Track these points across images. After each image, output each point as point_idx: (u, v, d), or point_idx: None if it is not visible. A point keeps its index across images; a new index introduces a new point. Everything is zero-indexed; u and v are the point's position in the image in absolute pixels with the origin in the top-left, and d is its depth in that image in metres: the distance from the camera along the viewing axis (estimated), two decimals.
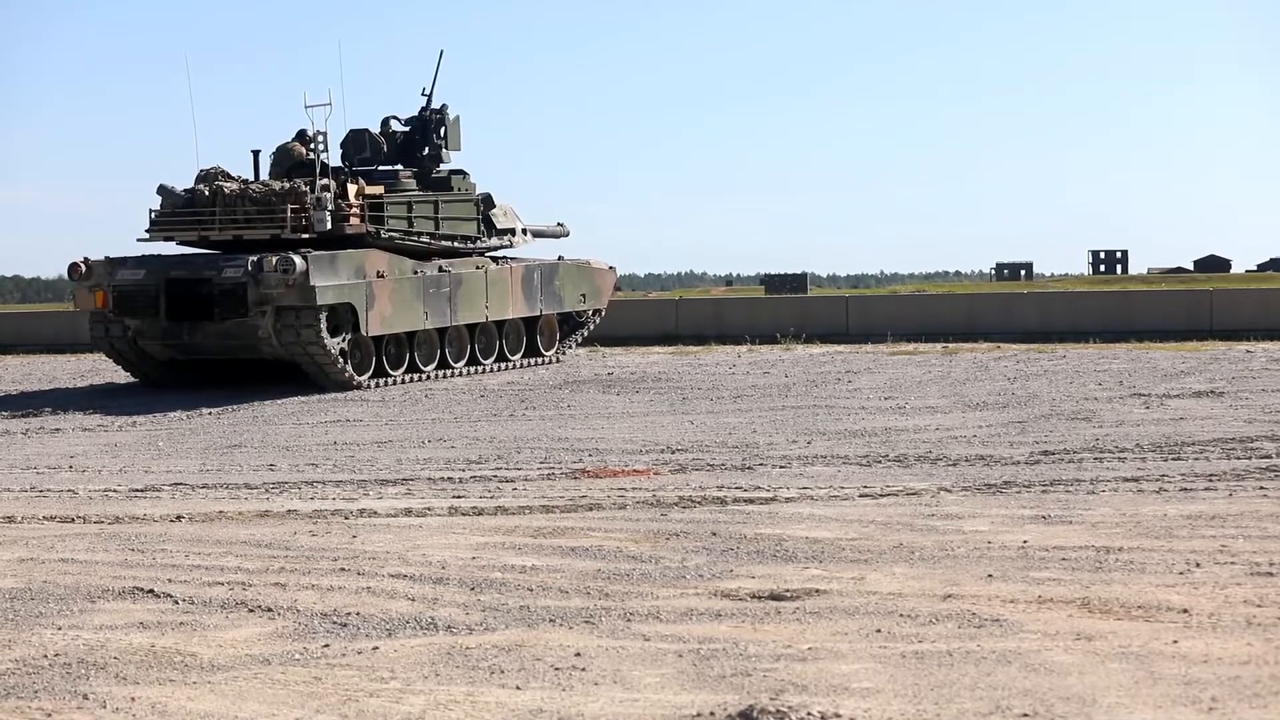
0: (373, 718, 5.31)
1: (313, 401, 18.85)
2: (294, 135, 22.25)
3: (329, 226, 20.55)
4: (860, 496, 10.05)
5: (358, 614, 6.85)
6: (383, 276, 20.89)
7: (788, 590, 7.08)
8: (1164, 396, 16.53)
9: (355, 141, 23.09)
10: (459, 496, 10.57)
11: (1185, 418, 14.38)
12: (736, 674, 5.69)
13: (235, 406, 18.45)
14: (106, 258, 20.85)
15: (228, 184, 20.90)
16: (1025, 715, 5.11)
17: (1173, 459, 11.56)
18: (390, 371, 21.29)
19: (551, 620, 6.67)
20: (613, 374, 22.37)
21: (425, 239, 22.63)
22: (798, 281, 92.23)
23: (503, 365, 23.85)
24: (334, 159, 22.17)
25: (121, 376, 22.51)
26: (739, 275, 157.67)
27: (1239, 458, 11.51)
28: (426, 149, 23.36)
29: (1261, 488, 9.96)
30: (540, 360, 24.91)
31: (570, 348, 26.29)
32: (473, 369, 23.07)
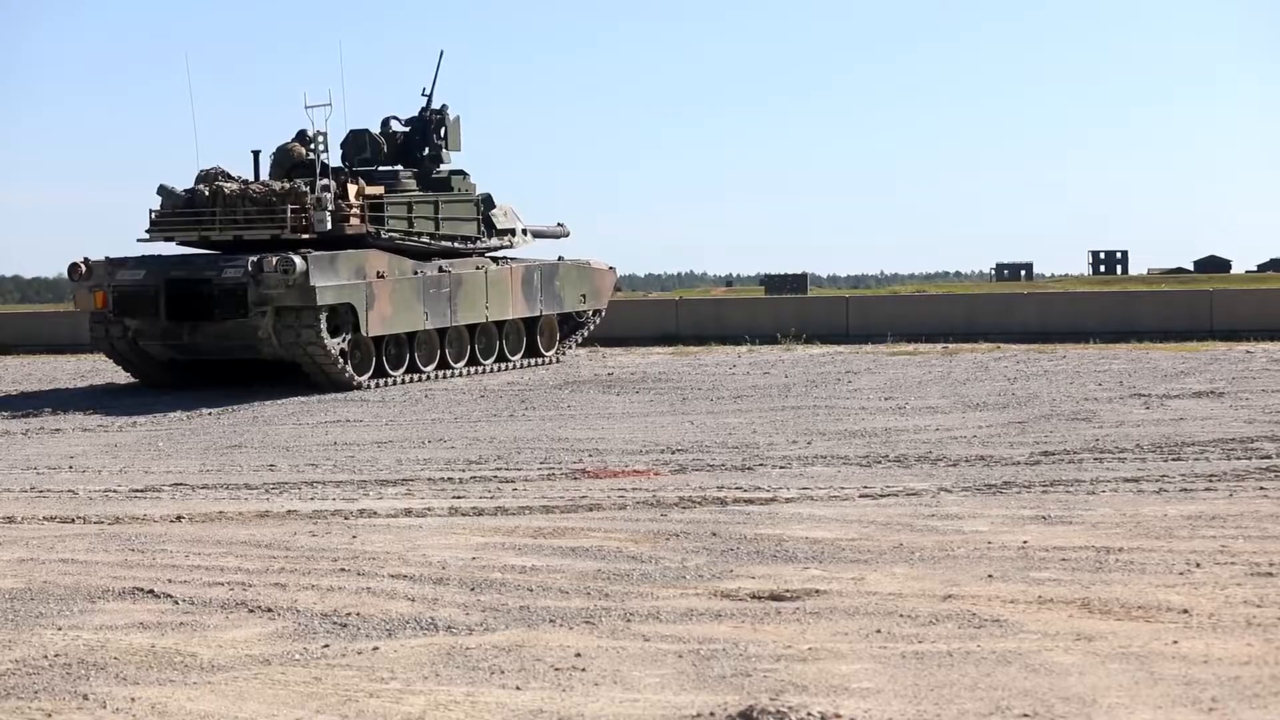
0: (373, 718, 5.31)
1: (313, 402, 18.85)
2: (294, 135, 22.26)
3: (329, 227, 20.55)
4: (860, 497, 10.05)
5: (358, 614, 6.85)
6: (383, 277, 20.89)
7: (788, 590, 7.08)
8: (1164, 397, 16.53)
9: (355, 142, 23.09)
10: (459, 497, 10.57)
11: (1185, 418, 14.38)
12: (736, 674, 5.69)
13: (235, 406, 18.45)
14: (106, 258, 20.86)
15: (228, 184, 20.90)
16: (1025, 715, 5.11)
17: (1173, 459, 11.56)
18: (390, 372, 21.29)
19: (551, 620, 6.67)
20: (613, 374, 22.37)
21: (425, 239, 22.64)
22: (798, 282, 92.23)
23: (503, 365, 23.85)
24: (334, 159, 22.18)
25: (121, 376, 22.51)
26: (739, 275, 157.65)
27: (1239, 458, 11.51)
28: (427, 149, 23.36)
29: (1261, 488, 9.96)
30: (540, 360, 24.91)
31: (570, 348, 26.30)
32: (473, 369, 23.07)
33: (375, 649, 6.24)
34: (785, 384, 19.74)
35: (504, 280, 23.75)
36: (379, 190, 21.90)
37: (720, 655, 5.96)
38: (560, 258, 25.95)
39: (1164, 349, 24.73)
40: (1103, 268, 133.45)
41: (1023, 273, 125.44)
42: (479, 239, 24.01)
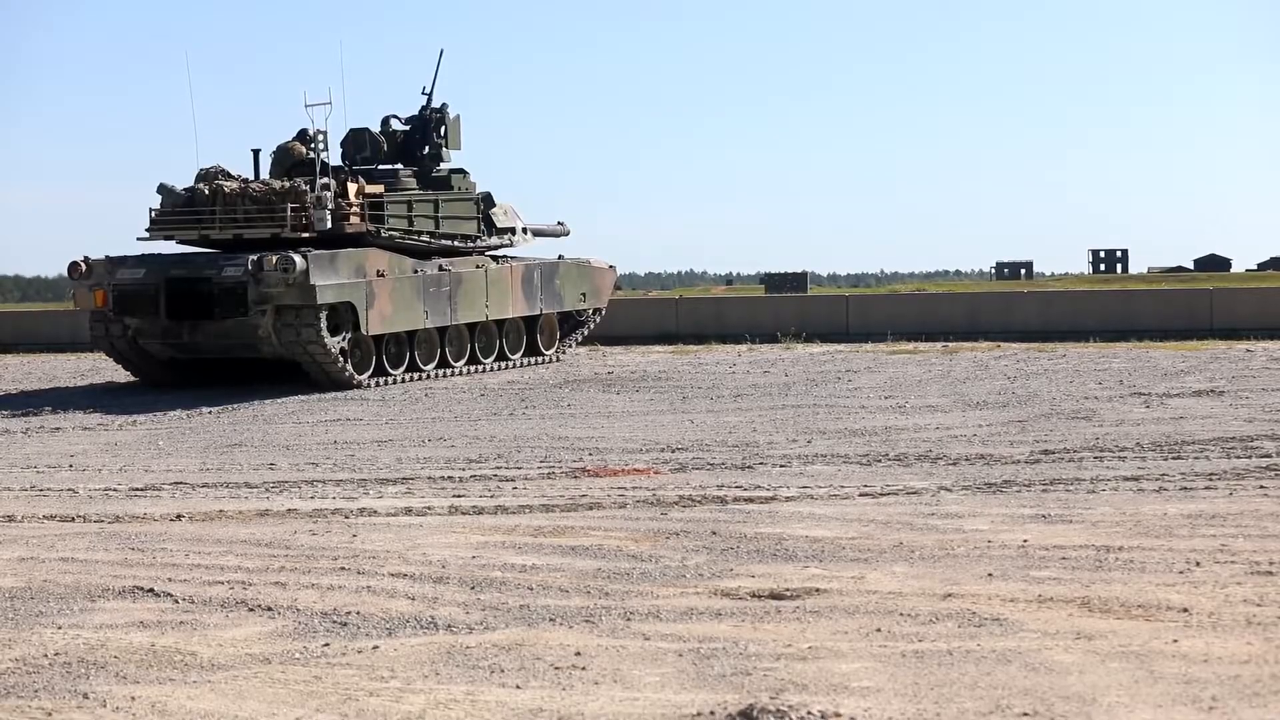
0: (373, 717, 5.31)
1: (313, 401, 18.85)
2: (295, 135, 22.25)
3: (329, 226, 20.55)
4: (860, 495, 10.05)
5: (358, 613, 6.85)
6: (383, 275, 20.89)
7: (788, 589, 7.08)
8: (1164, 396, 16.53)
9: (355, 140, 23.09)
10: (459, 495, 10.57)
11: (1185, 417, 14.38)
12: (736, 673, 5.69)
13: (235, 405, 18.45)
14: (106, 257, 20.86)
15: (228, 183, 20.90)
16: (1025, 715, 5.11)
17: (1173, 458, 11.56)
18: (390, 371, 21.30)
19: (551, 619, 6.67)
20: (613, 373, 22.37)
21: (425, 238, 22.64)
22: (798, 281, 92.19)
23: (503, 364, 23.85)
24: (334, 158, 22.18)
25: (121, 375, 22.51)
26: (739, 274, 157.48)
27: (1239, 457, 11.51)
28: (427, 148, 23.37)
29: (1262, 486, 9.96)
30: (540, 359, 24.91)
31: (570, 347, 26.30)
32: (473, 368, 23.07)
33: (375, 648, 6.24)
34: (785, 383, 19.74)
35: (504, 279, 23.75)
36: (379, 189, 21.90)
37: (720, 654, 5.96)
38: (560, 256, 25.96)
39: (1164, 348, 24.73)
40: (1103, 266, 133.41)
41: (1023, 271, 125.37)
42: (479, 238, 24.02)
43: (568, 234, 27.88)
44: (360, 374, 20.60)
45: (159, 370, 21.49)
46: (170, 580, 7.67)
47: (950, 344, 26.89)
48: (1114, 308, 30.25)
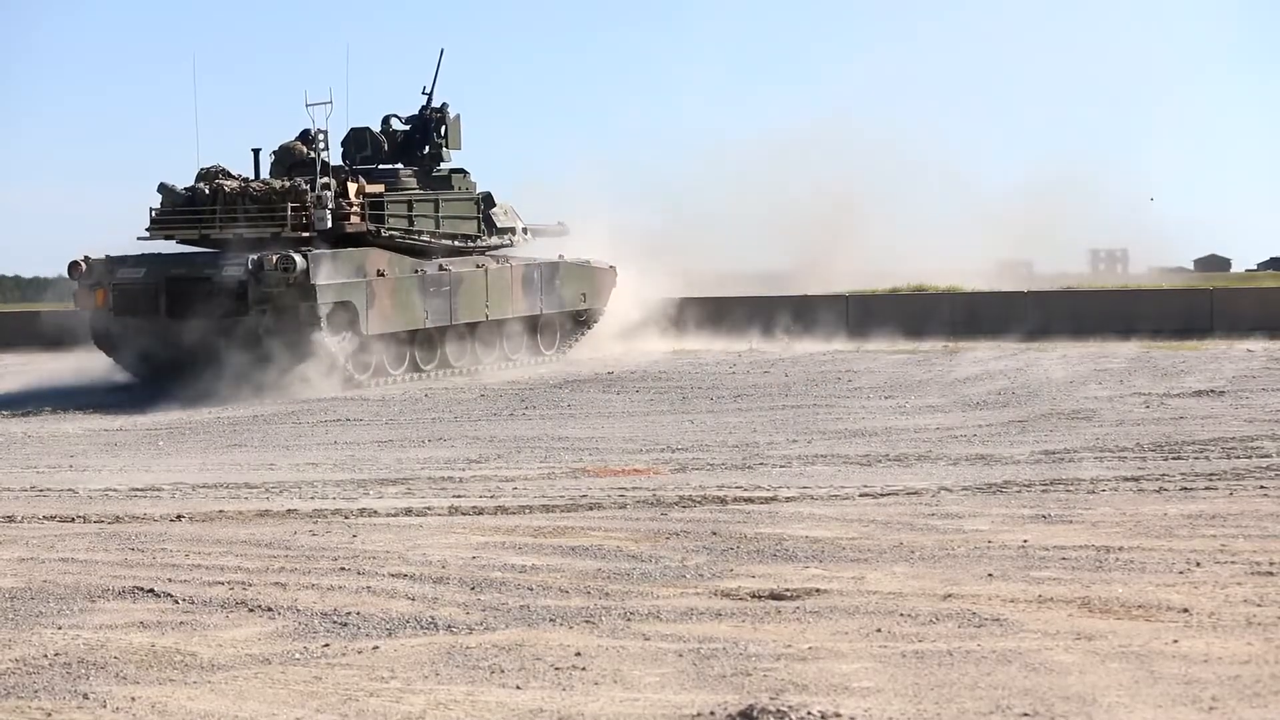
0: (373, 717, 5.31)
1: (313, 401, 18.84)
2: (297, 135, 22.24)
3: (329, 225, 20.55)
4: (860, 496, 10.05)
5: (358, 614, 6.85)
6: (383, 275, 20.89)
7: (788, 590, 7.07)
8: (1164, 396, 16.53)
9: (356, 140, 23.09)
10: (459, 496, 10.56)
11: (1185, 417, 14.38)
12: (736, 673, 5.69)
13: (235, 406, 18.44)
14: (107, 256, 20.86)
15: (228, 182, 20.90)
16: (1025, 715, 5.11)
17: (1173, 458, 11.56)
18: (390, 371, 21.29)
19: (551, 620, 6.67)
20: (613, 373, 22.37)
21: (426, 237, 22.63)
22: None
23: (503, 365, 23.84)
24: (335, 157, 22.18)
25: (121, 376, 22.50)
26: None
27: (1239, 457, 11.51)
28: (427, 147, 23.36)
29: (1262, 487, 9.96)
30: (540, 359, 24.90)
31: (570, 347, 26.28)
32: (473, 368, 23.06)
33: (375, 648, 6.24)
34: (785, 383, 19.74)
35: (504, 279, 23.74)
36: (379, 188, 21.90)
37: (720, 654, 5.95)
38: (561, 256, 25.94)
39: (1164, 347, 24.72)
40: (1103, 266, 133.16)
41: (1023, 271, 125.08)
42: (479, 237, 24.01)
43: (568, 234, 27.87)
44: (360, 374, 20.59)
45: (159, 370, 21.46)
46: (170, 580, 7.66)
47: (950, 344, 26.89)
48: (1114, 307, 30.23)
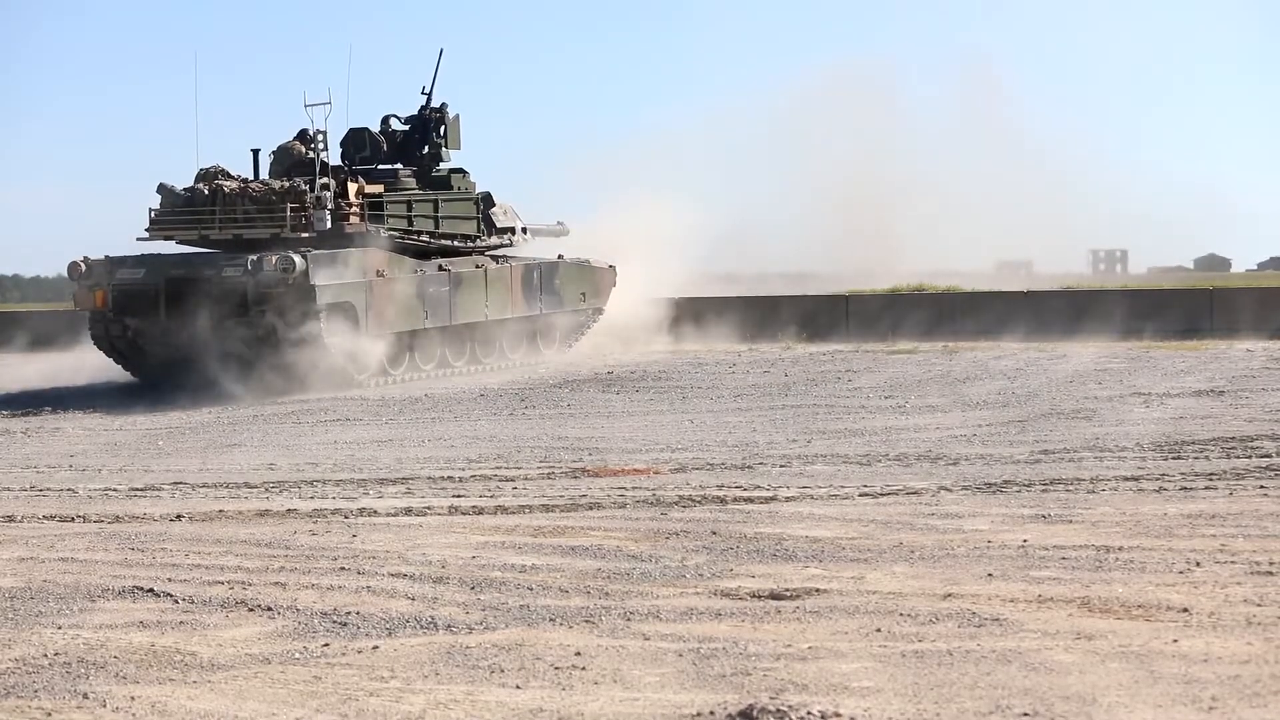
0: (373, 717, 5.31)
1: (313, 401, 18.84)
2: (296, 135, 22.25)
3: (329, 225, 20.55)
4: (860, 495, 10.05)
5: (358, 613, 6.85)
6: (382, 275, 20.89)
7: (788, 589, 7.07)
8: (1164, 395, 16.53)
9: (355, 140, 23.10)
10: (459, 496, 10.56)
11: (1185, 416, 14.38)
12: (736, 673, 5.69)
13: (235, 406, 18.44)
14: (106, 257, 20.86)
15: (228, 183, 20.90)
16: (1025, 715, 5.11)
17: (1173, 458, 11.56)
18: (390, 371, 21.29)
19: (551, 619, 6.67)
20: (613, 373, 22.37)
21: (425, 238, 22.64)
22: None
23: (503, 365, 23.84)
24: (334, 158, 22.19)
25: (121, 375, 22.50)
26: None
27: (1239, 457, 11.51)
28: (426, 148, 23.37)
29: (1261, 486, 9.96)
30: (540, 359, 24.90)
31: (570, 346, 26.28)
32: (473, 368, 23.06)
33: (375, 648, 6.24)
34: (785, 383, 19.74)
35: (504, 279, 23.75)
36: (379, 189, 21.90)
37: (720, 654, 5.95)
38: (560, 256, 25.95)
39: (1164, 347, 24.72)
40: (1103, 266, 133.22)
41: (1023, 271, 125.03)
42: (479, 237, 24.01)
43: (567, 234, 27.88)
44: (360, 374, 20.59)
45: (159, 370, 21.47)
46: (170, 580, 7.66)
47: (950, 344, 26.89)
48: (1114, 307, 30.22)
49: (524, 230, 25.63)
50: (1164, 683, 5.41)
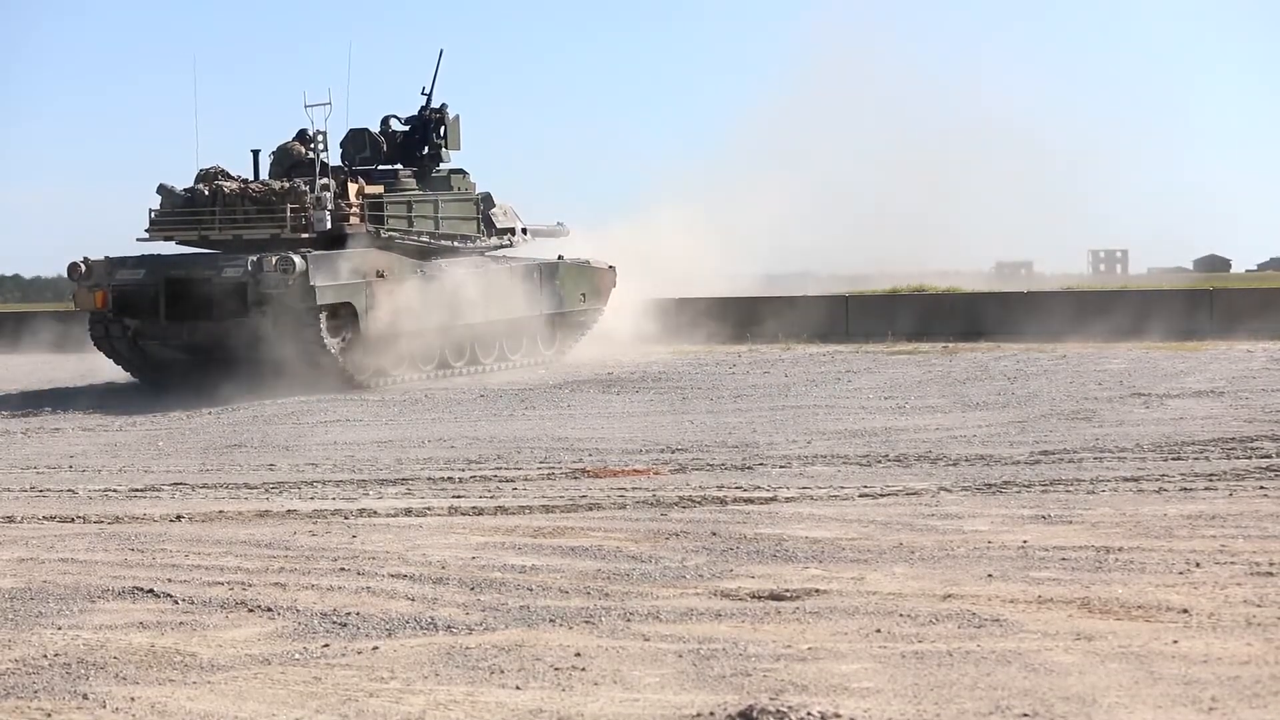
0: (373, 718, 5.31)
1: (313, 401, 18.84)
2: (295, 135, 22.25)
3: (329, 226, 20.55)
4: (860, 496, 10.05)
5: (358, 614, 6.85)
6: (382, 276, 20.89)
7: (788, 590, 7.07)
8: (1164, 396, 16.53)
9: (355, 141, 23.09)
10: (459, 496, 10.56)
11: (1185, 417, 14.37)
12: (736, 674, 5.69)
13: (235, 406, 18.45)
14: (106, 257, 20.86)
15: (227, 183, 20.91)
16: (1025, 715, 5.11)
17: (1173, 459, 11.56)
18: (391, 371, 21.29)
19: (551, 620, 6.67)
20: (613, 374, 22.37)
21: (425, 238, 22.63)
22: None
23: (503, 365, 23.84)
24: (334, 158, 22.18)
25: (121, 376, 22.51)
26: (739, 274, 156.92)
27: (1239, 457, 11.51)
28: (426, 148, 23.36)
29: (1261, 487, 9.96)
30: (540, 360, 24.90)
31: (570, 347, 26.28)
32: (473, 368, 23.06)
33: (375, 648, 6.24)
34: (785, 383, 19.74)
35: (504, 279, 23.74)
36: (379, 189, 21.90)
37: (720, 655, 5.95)
38: (560, 257, 25.94)
39: (1164, 348, 24.72)
40: (1103, 266, 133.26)
41: (1023, 271, 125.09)
42: (479, 238, 24.01)
43: (567, 234, 27.88)
44: (360, 374, 20.59)
45: (159, 370, 21.48)
46: (170, 581, 7.66)
47: (950, 344, 26.89)
48: (1114, 308, 30.23)
49: (524, 230, 25.63)
50: (1164, 683, 5.42)
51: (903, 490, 10.27)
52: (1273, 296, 30.64)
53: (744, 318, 31.05)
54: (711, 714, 5.18)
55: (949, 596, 6.88)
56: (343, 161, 22.81)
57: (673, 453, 12.82)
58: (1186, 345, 25.32)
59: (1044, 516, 9.04)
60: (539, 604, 6.98)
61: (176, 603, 7.20)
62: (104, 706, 5.50)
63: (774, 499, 10.00)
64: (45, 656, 6.22)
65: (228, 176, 21.24)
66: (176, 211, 20.97)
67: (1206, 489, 9.95)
